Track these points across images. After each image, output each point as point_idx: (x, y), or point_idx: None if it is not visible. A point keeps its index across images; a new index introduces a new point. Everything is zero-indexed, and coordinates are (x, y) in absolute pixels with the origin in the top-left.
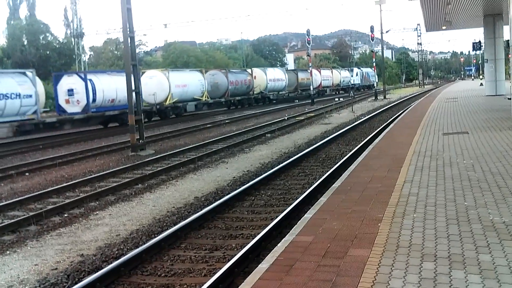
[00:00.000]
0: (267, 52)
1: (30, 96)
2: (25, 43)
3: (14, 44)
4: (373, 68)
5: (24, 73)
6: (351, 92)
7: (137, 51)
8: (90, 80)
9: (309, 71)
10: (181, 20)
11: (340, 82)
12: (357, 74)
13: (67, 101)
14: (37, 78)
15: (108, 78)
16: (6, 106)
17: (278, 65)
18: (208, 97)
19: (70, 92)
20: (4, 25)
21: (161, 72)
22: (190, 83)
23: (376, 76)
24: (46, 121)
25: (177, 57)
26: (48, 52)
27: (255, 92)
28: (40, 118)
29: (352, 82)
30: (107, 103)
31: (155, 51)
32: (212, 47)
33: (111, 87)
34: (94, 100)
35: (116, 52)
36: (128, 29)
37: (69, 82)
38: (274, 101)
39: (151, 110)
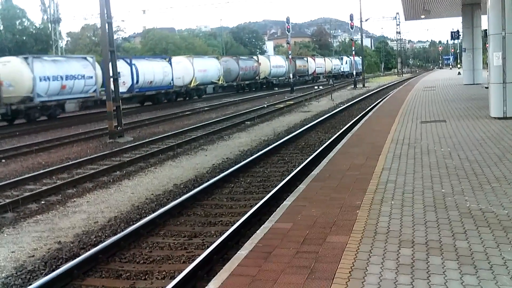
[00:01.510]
0: (246, 39)
1: (91, 77)
2: (1, 28)
3: None
4: (352, 57)
5: (85, 58)
6: (330, 80)
7: (115, 37)
8: (134, 64)
9: (305, 58)
10: (160, 6)
11: (332, 69)
12: (346, 62)
13: None
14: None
15: (147, 63)
16: (74, 86)
17: (257, 52)
18: (223, 81)
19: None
20: None
21: (186, 58)
22: (209, 68)
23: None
24: (102, 98)
25: (156, 44)
26: (24, 38)
27: (260, 77)
28: (98, 96)
29: (342, 70)
30: (147, 85)
31: (134, 38)
32: (191, 34)
33: (150, 70)
34: (137, 81)
35: (93, 38)
36: (105, 15)
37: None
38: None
39: (180, 91)
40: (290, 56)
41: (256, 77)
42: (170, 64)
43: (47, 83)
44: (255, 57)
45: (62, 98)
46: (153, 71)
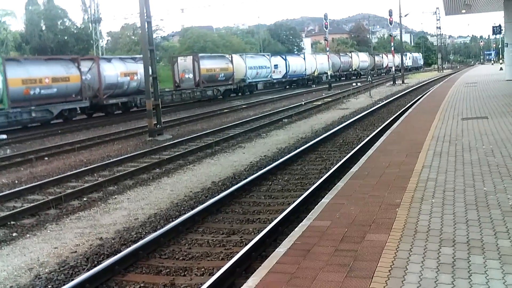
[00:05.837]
0: (284, 36)
1: (269, 67)
2: (43, 28)
3: (32, 29)
4: (391, 53)
5: (264, 55)
6: (369, 77)
7: (154, 36)
8: (286, 59)
9: (380, 55)
10: (198, 4)
11: (399, 64)
12: (409, 58)
13: (273, 72)
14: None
15: (293, 58)
16: (261, 73)
17: (295, 50)
18: (331, 72)
19: (276, 66)
20: (22, 10)
21: (311, 55)
22: (324, 62)
23: (422, 60)
24: (271, 81)
25: (194, 42)
26: (66, 37)
27: (353, 69)
28: (271, 79)
29: (406, 64)
30: (292, 73)
31: (172, 36)
32: (228, 32)
33: (294, 63)
34: (288, 71)
35: (133, 37)
36: (145, 14)
37: (275, 60)
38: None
39: (309, 78)
40: (328, 53)
41: (350, 69)
42: (304, 59)
43: (251, 71)
44: (348, 53)
45: (255, 80)
46: (296, 63)
